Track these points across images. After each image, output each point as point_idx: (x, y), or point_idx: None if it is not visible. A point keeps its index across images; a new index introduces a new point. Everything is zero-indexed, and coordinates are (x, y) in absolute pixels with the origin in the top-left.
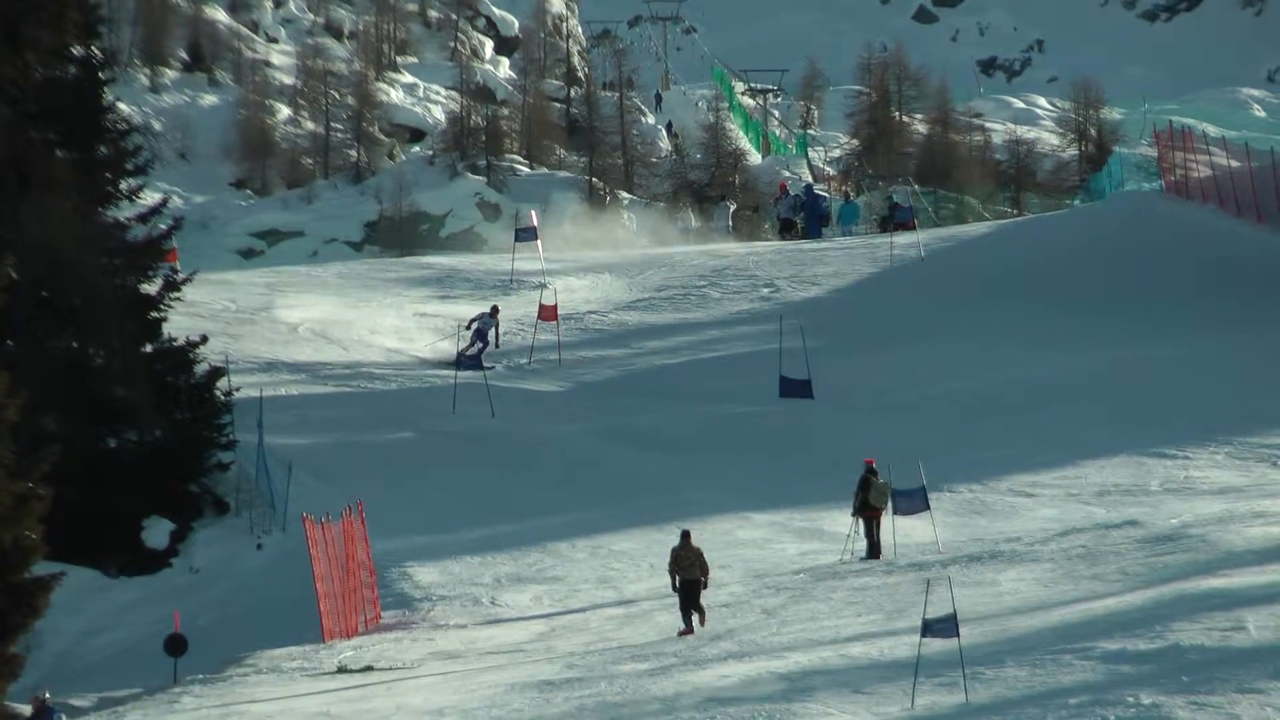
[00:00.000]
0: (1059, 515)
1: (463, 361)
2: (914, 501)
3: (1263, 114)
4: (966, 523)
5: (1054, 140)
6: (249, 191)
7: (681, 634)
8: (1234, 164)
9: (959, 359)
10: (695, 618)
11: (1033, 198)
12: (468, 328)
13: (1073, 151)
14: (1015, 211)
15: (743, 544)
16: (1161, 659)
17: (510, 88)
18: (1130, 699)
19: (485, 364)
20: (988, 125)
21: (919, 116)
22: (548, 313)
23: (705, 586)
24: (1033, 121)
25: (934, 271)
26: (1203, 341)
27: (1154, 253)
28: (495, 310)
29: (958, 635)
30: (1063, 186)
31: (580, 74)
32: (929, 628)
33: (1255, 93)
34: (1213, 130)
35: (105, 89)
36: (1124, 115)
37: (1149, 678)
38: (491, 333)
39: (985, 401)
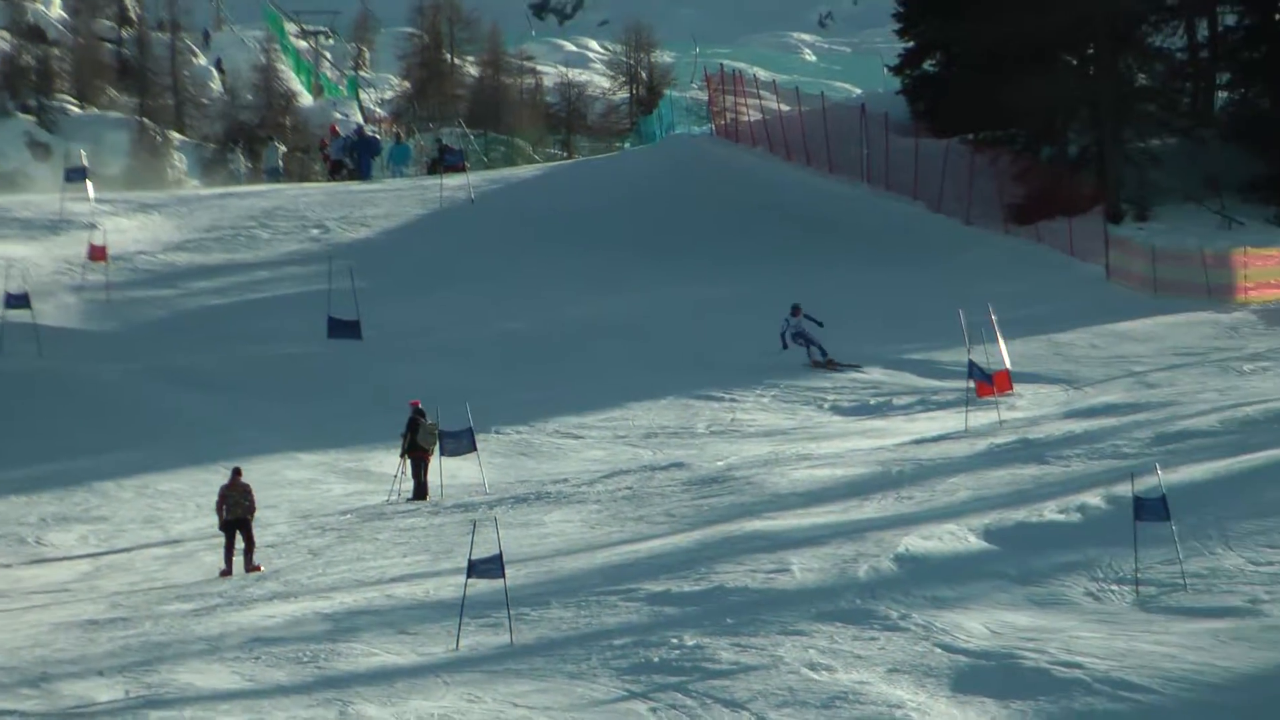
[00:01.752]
0: (606, 457)
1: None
2: (461, 442)
3: (813, 58)
4: (513, 464)
5: (605, 83)
6: None
7: (223, 574)
8: (784, 108)
9: (508, 300)
10: (243, 556)
11: (583, 141)
12: (784, 346)
13: (623, 95)
14: (565, 154)
15: (290, 484)
16: (706, 600)
17: (61, 28)
18: (674, 640)
19: (837, 362)
20: (539, 68)
21: (471, 59)
22: (97, 253)
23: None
24: (584, 65)
25: (484, 213)
26: (751, 283)
27: (704, 195)
28: (796, 310)
29: (503, 576)
30: (613, 129)
31: (132, 14)
32: (474, 568)
33: (806, 37)
34: (763, 74)
35: None
36: (675, 59)
37: (693, 619)
38: (808, 330)
39: (534, 343)
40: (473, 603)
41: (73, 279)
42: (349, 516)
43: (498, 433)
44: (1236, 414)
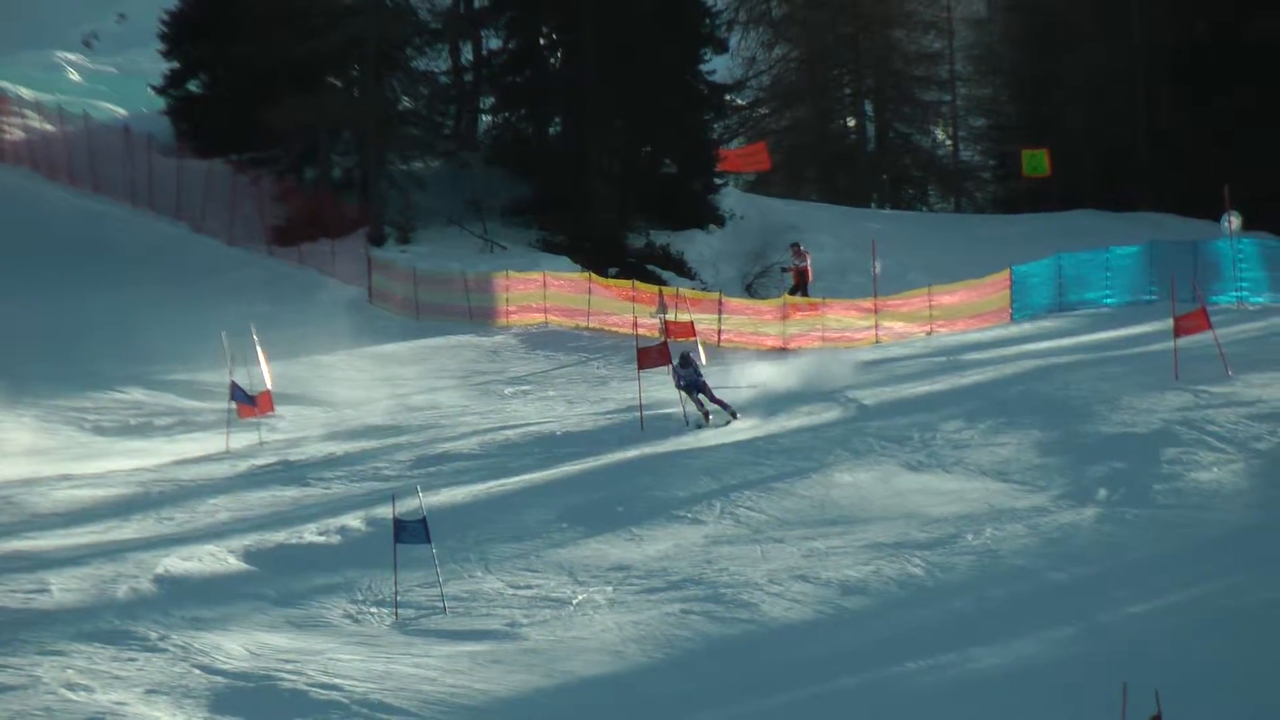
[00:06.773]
0: None
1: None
2: None
3: (78, 78)
4: None
5: None
6: None
7: None
8: (49, 128)
9: None
10: None
11: None
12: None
13: None
14: None
15: None
16: None
17: None
18: None
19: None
20: None
21: None
22: None
23: None
24: None
25: None
26: (13, 305)
27: None
28: (687, 360)
29: None
30: None
31: None
32: None
33: (71, 56)
34: (27, 93)
35: None
36: None
37: None
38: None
39: None
40: None
41: None
42: None
43: None
44: (497, 437)
